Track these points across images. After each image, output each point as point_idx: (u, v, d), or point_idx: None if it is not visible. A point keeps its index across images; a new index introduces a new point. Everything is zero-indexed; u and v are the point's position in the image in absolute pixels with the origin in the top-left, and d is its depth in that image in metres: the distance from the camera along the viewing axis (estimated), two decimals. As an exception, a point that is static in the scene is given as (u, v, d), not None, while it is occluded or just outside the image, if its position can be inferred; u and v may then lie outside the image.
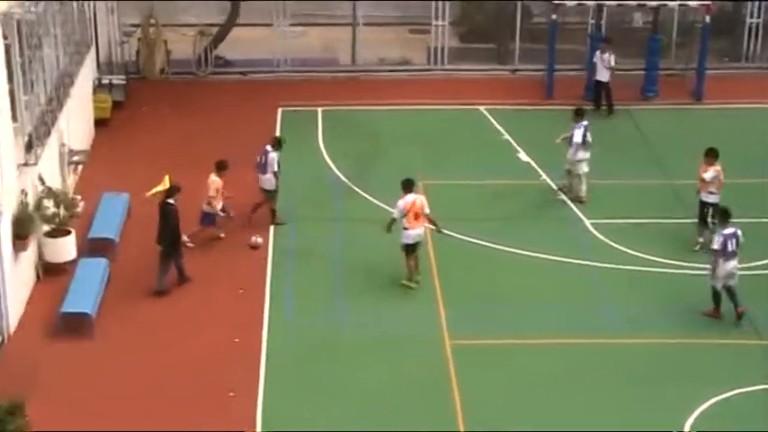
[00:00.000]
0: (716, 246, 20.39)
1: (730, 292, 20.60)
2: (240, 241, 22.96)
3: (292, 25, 31.95)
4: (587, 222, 23.85)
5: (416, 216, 21.14)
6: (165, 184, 21.34)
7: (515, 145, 27.31)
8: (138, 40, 31.54)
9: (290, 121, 28.37)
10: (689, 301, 21.13)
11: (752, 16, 31.84)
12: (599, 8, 30.87)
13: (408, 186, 21.31)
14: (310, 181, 25.39)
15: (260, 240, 22.87)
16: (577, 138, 24.31)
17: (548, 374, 19.08)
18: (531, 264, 22.26)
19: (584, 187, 24.44)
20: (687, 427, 17.74)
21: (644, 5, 30.85)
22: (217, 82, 31.37)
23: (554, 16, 29.75)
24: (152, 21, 31.40)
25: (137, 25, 31.76)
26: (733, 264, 20.47)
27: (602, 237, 23.27)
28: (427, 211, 21.32)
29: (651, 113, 29.33)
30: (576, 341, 19.90)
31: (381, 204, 24.28)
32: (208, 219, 22.88)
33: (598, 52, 29.14)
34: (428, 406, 18.26)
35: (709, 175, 22.46)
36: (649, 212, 24.08)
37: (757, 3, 31.65)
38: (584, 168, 24.39)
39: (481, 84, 31.29)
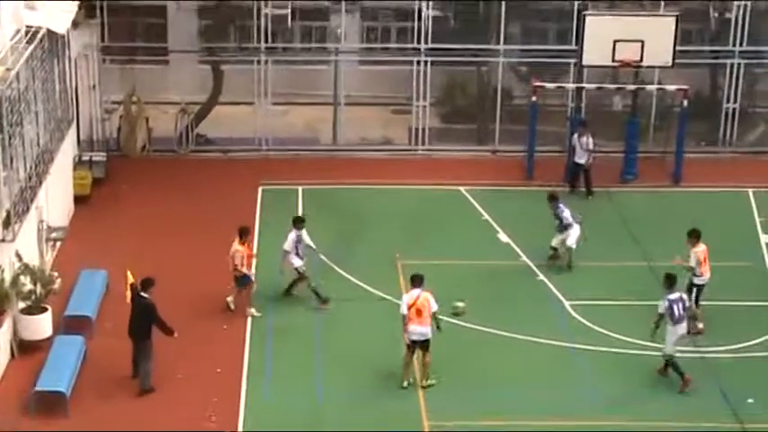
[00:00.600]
0: (661, 310, 20.78)
1: (675, 366, 21.01)
2: (218, 322, 22.89)
3: (274, 104, 32.19)
4: (566, 303, 23.91)
5: (419, 312, 20.54)
6: (129, 279, 20.95)
7: (495, 225, 27.44)
8: (120, 117, 31.71)
9: (271, 200, 28.47)
10: (669, 383, 21.14)
11: (728, 101, 32.26)
12: (578, 91, 31.29)
13: (415, 281, 20.80)
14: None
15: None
16: (567, 218, 24.92)
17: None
18: (511, 345, 22.26)
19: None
20: None
21: (623, 89, 31.25)
22: (198, 160, 31.50)
23: (534, 98, 30.10)
24: (134, 98, 31.60)
25: (119, 102, 31.94)
26: (681, 328, 20.83)
27: (581, 318, 23.31)
28: (434, 308, 20.61)
29: (630, 196, 29.56)
30: (557, 423, 19.84)
31: (361, 284, 24.30)
32: (244, 281, 23.02)
33: (575, 136, 29.45)
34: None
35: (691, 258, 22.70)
36: (629, 294, 24.15)
37: (734, 88, 32.06)
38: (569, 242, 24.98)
39: (461, 164, 31.53)
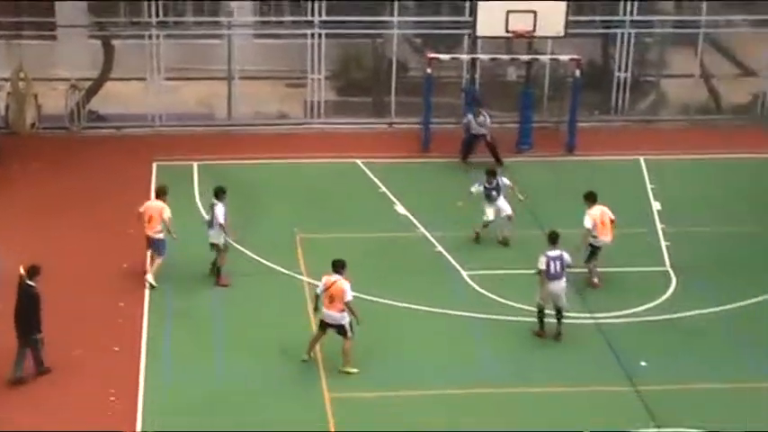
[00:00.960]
0: (540, 266, 21.34)
1: (559, 312, 21.55)
2: (117, 298, 22.69)
3: (167, 79, 31.86)
4: (464, 273, 24.17)
5: (331, 299, 20.37)
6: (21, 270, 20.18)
7: (392, 198, 27.58)
8: (8, 94, 31.10)
9: (166, 176, 28.17)
10: (567, 350, 21.54)
11: (620, 70, 32.78)
12: (473, 62, 31.53)
13: (335, 266, 20.55)
14: (186, 237, 25.21)
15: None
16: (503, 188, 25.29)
17: (429, 426, 19.18)
18: (410, 316, 22.45)
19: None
20: (565, 474, 18.07)
21: (517, 60, 31.57)
22: (90, 137, 31.08)
23: (429, 70, 30.24)
24: (21, 74, 30.99)
25: (5, 79, 31.32)
26: (556, 285, 21.41)
27: (479, 288, 23.59)
28: (347, 298, 20.26)
29: (525, 166, 29.91)
30: (458, 392, 20.10)
31: (260, 259, 24.26)
32: (162, 246, 22.93)
33: (470, 116, 29.57)
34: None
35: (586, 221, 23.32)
36: (525, 262, 24.46)
37: (625, 57, 32.58)
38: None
39: (358, 137, 31.59)
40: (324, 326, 20.70)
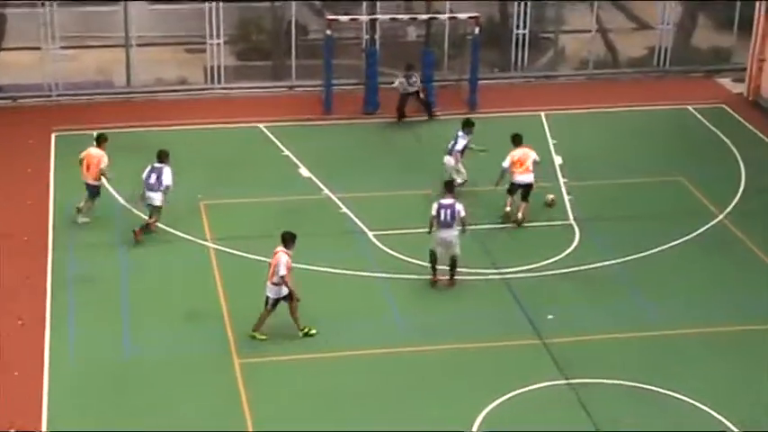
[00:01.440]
0: (432, 212, 21.81)
1: (452, 261, 21.96)
2: (19, 271, 22.26)
3: (63, 48, 31.19)
4: (370, 234, 24.14)
5: (271, 273, 20.17)
6: None
7: (296, 161, 27.41)
8: None
9: (65, 146, 27.65)
10: (475, 306, 21.67)
11: (518, 28, 32.88)
12: (372, 23, 31.38)
13: (283, 239, 20.26)
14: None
15: None
16: (459, 146, 25.49)
17: (340, 388, 19.21)
18: (319, 279, 22.35)
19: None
20: (475, 427, 18.17)
21: (415, 19, 31.50)
22: (-15, 108, 30.37)
23: (329, 32, 30.03)
24: None
25: None
26: (446, 233, 21.79)
27: (385, 248, 23.59)
28: (280, 272, 19.87)
29: (430, 124, 29.89)
30: (368, 353, 20.12)
31: (162, 226, 23.96)
32: (96, 191, 23.78)
33: (403, 79, 29.53)
34: (220, 426, 18.11)
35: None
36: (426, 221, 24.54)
37: (523, 15, 32.69)
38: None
39: (259, 101, 31.30)
40: (267, 300, 20.30)
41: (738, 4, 33.34)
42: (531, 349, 20.40)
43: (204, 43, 31.82)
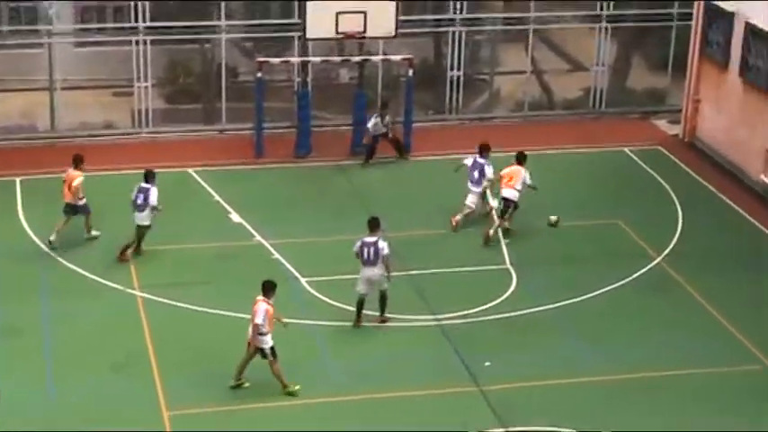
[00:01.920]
0: (354, 248, 22.09)
1: (381, 296, 22.29)
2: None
3: (-15, 91, 30.96)
4: (303, 281, 24.10)
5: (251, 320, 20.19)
6: None
7: (227, 206, 27.33)
8: None
9: (-14, 193, 27.41)
10: (411, 352, 21.68)
11: (452, 69, 33.18)
12: (304, 65, 31.47)
13: (263, 288, 20.40)
14: (9, 253, 24.58)
15: None
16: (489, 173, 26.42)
17: (271, 439, 19.12)
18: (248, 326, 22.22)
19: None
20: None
21: (348, 61, 31.67)
22: None
23: (259, 74, 30.06)
24: None
25: None
26: (369, 271, 22.05)
27: (319, 294, 23.55)
28: (257, 320, 19.97)
29: (362, 168, 29.97)
30: (301, 402, 20.08)
31: (89, 275, 23.74)
32: (86, 209, 25.03)
33: (377, 118, 29.63)
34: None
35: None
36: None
37: (457, 56, 32.99)
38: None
39: (189, 145, 31.20)
40: (248, 346, 20.26)
41: (672, 44, 33.93)
42: (468, 396, 20.44)
43: (131, 86, 31.71)
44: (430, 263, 24.75)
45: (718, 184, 29.45)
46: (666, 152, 31.56)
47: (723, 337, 22.47)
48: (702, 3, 31.41)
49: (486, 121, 33.73)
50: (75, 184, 24.89)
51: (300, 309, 22.98)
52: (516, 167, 26.03)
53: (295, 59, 31.47)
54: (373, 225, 22.42)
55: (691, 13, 32.11)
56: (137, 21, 31.14)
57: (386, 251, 22.10)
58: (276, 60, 30.96)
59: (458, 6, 32.70)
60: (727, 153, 30.59)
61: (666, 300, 23.83)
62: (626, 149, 31.49)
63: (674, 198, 28.50)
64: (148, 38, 31.25)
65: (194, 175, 29.12)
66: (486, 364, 21.37)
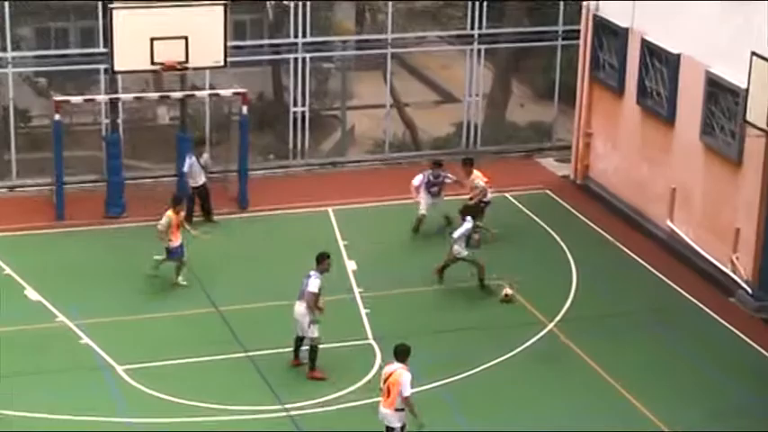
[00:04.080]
0: (313, 288, 23.52)
1: (309, 348, 23.60)
2: None
3: None
4: (119, 369, 23.86)
5: (390, 397, 20.74)
6: None
7: (21, 281, 26.97)
8: None
9: None
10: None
11: (296, 104, 33.26)
12: (113, 104, 31.20)
13: (396, 352, 21.08)
14: None
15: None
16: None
17: None
18: (52, 429, 21.90)
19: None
20: None
21: (168, 97, 31.58)
22: None
23: (57, 116, 29.76)
24: None
25: None
26: (296, 306, 23.58)
27: (140, 386, 23.33)
28: (405, 392, 20.57)
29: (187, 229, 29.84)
30: None
31: None
32: (175, 253, 26.56)
33: (190, 159, 29.46)
34: None
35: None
36: (193, 349, 24.42)
37: (301, 88, 33.05)
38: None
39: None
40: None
41: (558, 68, 34.59)
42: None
43: None
44: (276, 341, 24.69)
45: (616, 231, 30.16)
46: (555, 196, 32.20)
47: (618, 403, 23.08)
48: (590, 17, 31.91)
49: (340, 167, 33.96)
50: (159, 226, 26.60)
51: (117, 405, 22.73)
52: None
53: (101, 97, 31.27)
54: (318, 258, 23.72)
55: (578, 31, 32.71)
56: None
57: (309, 287, 23.23)
58: (78, 99, 30.74)
59: (300, 28, 32.76)
60: (625, 195, 31.31)
61: (559, 369, 24.27)
62: (507, 195, 31.97)
63: (567, 252, 29.02)
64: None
65: (-21, 243, 28.75)
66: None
